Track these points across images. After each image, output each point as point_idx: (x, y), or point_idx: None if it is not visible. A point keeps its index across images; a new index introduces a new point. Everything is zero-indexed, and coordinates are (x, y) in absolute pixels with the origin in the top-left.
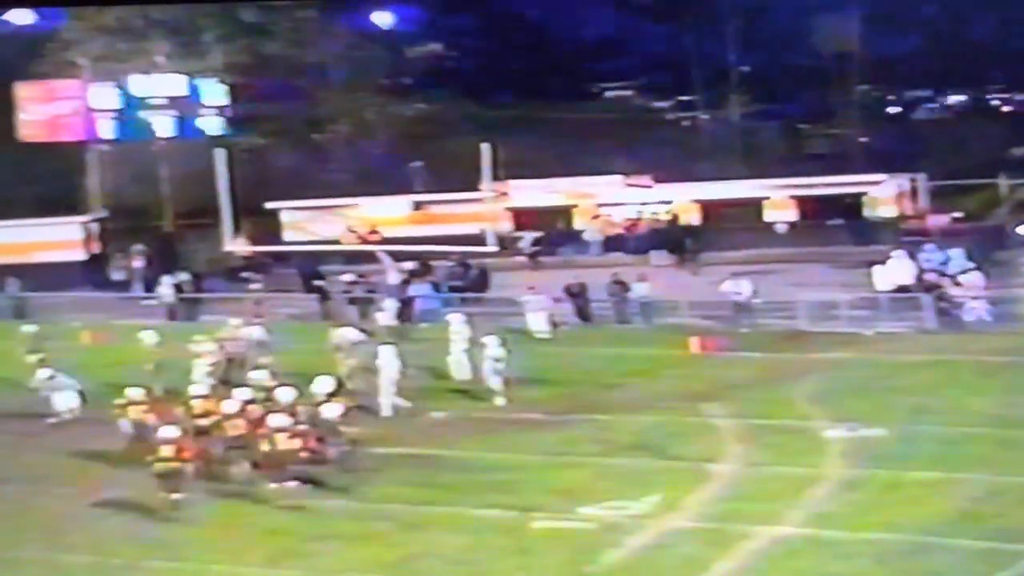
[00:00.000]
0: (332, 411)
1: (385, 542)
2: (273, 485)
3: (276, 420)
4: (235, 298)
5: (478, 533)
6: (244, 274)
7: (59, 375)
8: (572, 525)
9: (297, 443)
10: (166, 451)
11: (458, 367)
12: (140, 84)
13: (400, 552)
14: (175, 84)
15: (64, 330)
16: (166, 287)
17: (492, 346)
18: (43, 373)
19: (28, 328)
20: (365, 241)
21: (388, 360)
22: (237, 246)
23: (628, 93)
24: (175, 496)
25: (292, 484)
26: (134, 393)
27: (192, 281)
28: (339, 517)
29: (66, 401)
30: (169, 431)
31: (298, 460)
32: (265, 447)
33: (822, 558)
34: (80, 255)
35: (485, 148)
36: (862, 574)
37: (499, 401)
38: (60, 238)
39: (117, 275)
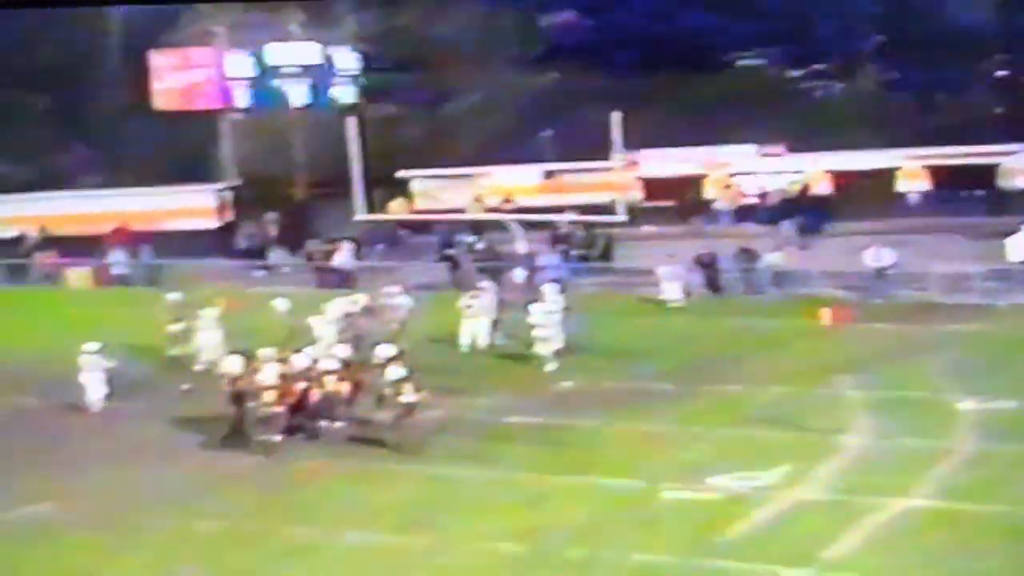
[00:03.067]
0: (394, 374)
1: (513, 512)
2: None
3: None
4: (371, 267)
5: (605, 504)
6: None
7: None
8: (700, 496)
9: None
10: (268, 397)
11: (553, 337)
12: (274, 53)
13: (527, 522)
14: (309, 53)
15: (199, 298)
16: (345, 253)
17: (536, 313)
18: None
19: (172, 296)
20: (494, 210)
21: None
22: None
23: (761, 62)
24: (275, 438)
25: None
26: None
27: (356, 249)
28: (467, 486)
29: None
30: (272, 377)
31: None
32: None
33: (950, 531)
34: (213, 223)
35: (616, 117)
36: (990, 548)
37: (550, 367)
38: (194, 206)
39: (246, 243)
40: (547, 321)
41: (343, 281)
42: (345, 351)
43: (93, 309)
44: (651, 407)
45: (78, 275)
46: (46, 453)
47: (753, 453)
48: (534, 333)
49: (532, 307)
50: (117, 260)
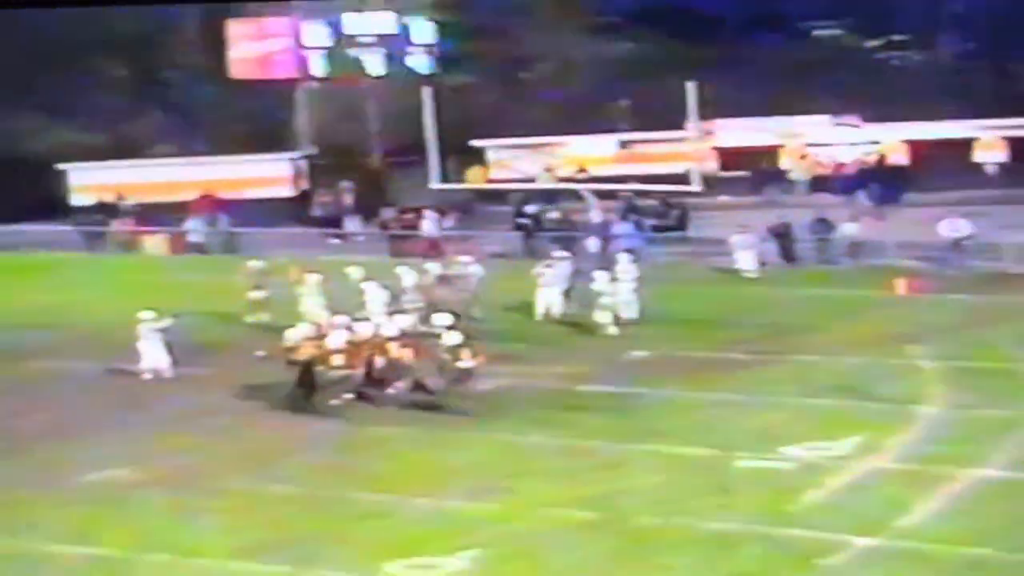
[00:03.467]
0: (451, 340)
1: (585, 479)
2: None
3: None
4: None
5: (678, 471)
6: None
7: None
8: (773, 465)
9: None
10: (337, 360)
11: (626, 307)
12: (350, 22)
13: (600, 489)
14: (384, 22)
15: (275, 266)
16: (431, 221)
17: (600, 281)
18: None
19: (254, 264)
20: (567, 180)
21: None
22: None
23: (838, 32)
24: (344, 398)
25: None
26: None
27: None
28: (540, 453)
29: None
30: (340, 341)
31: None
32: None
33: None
34: (288, 192)
35: (691, 87)
36: None
37: (611, 331)
38: (269, 174)
39: (320, 211)
40: (610, 288)
41: (429, 249)
42: (408, 319)
43: (170, 276)
44: (724, 376)
45: (154, 242)
46: (123, 418)
47: (826, 423)
48: (598, 300)
49: (595, 274)
50: (194, 228)
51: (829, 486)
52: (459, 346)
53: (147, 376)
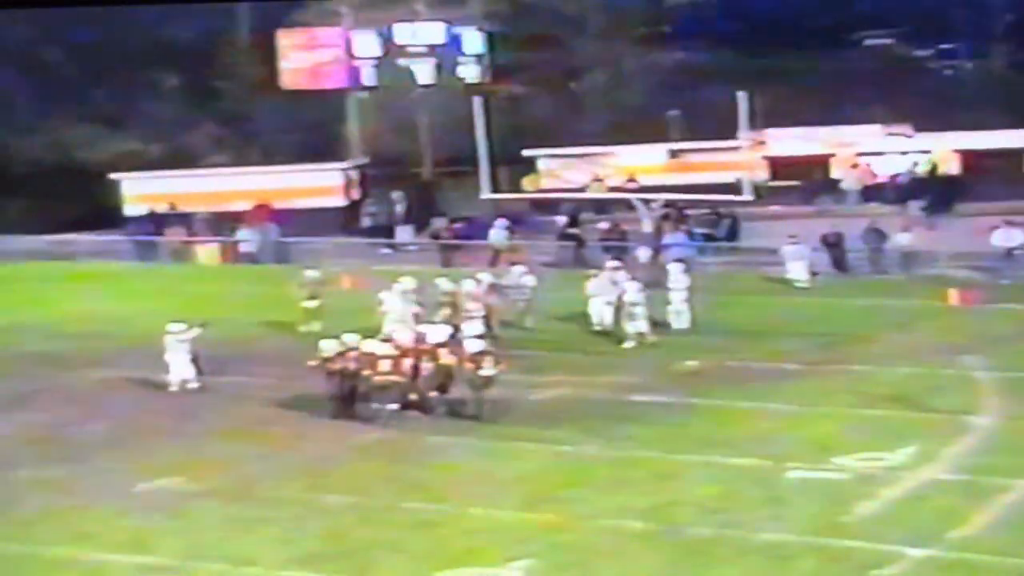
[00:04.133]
0: (473, 347)
1: (638, 489)
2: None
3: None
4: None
5: (731, 482)
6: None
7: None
8: (826, 476)
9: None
10: (384, 366)
11: (676, 317)
12: (400, 32)
13: (653, 499)
14: (435, 32)
15: (329, 275)
16: (499, 229)
17: (632, 292)
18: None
19: (310, 273)
20: (617, 189)
21: (633, 294)
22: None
23: (889, 41)
24: (390, 407)
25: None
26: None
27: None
28: (593, 464)
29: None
30: (384, 350)
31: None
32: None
33: None
34: (340, 201)
35: (742, 96)
36: None
37: (629, 344)
38: (320, 184)
39: (369, 221)
40: (642, 298)
41: (494, 258)
42: (444, 329)
43: (223, 286)
44: (777, 386)
45: (207, 252)
46: (177, 427)
47: (880, 433)
48: (627, 309)
49: (627, 284)
50: (246, 238)
51: (883, 497)
52: (481, 353)
53: (173, 388)
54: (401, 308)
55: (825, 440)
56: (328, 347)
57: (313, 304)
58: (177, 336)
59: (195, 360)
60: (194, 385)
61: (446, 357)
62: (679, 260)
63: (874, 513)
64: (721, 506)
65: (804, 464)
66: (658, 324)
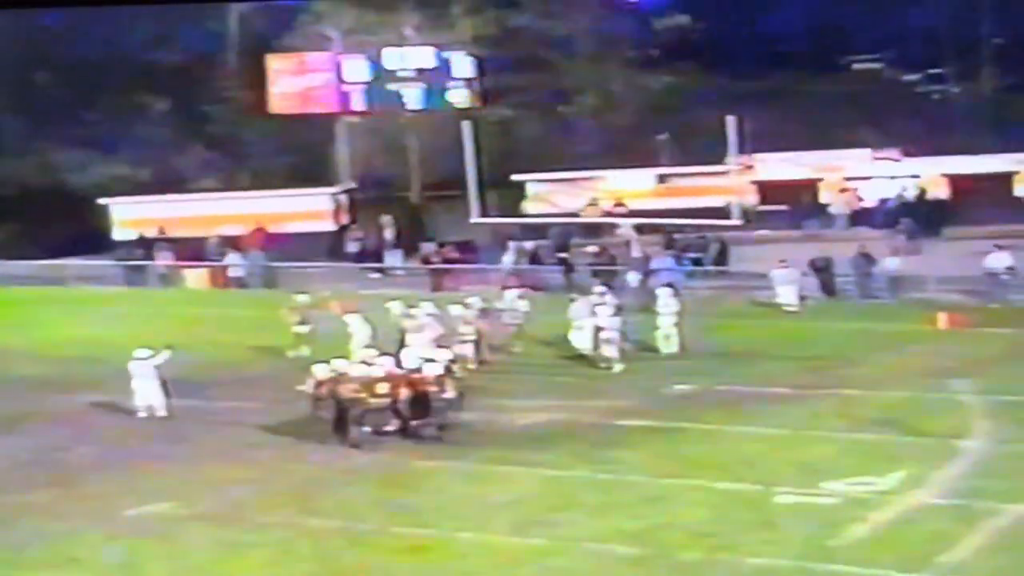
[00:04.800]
0: (433, 369)
1: (628, 513)
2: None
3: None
4: (482, 269)
5: (721, 506)
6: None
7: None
8: (816, 500)
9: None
10: (381, 388)
11: (664, 341)
12: (390, 56)
13: (643, 524)
14: (424, 56)
15: (318, 300)
16: (511, 253)
17: (604, 316)
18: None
19: (300, 297)
20: (608, 213)
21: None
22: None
23: (877, 66)
24: (386, 428)
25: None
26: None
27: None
28: (583, 488)
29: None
30: (383, 372)
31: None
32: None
33: None
34: (329, 226)
35: (731, 121)
36: None
37: (616, 368)
38: (309, 208)
39: (355, 246)
40: (616, 323)
41: (505, 281)
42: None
43: (211, 310)
44: (766, 410)
45: (196, 276)
46: (166, 452)
47: (870, 457)
48: (601, 335)
49: (598, 309)
50: (235, 262)
51: (873, 521)
52: (443, 376)
53: (141, 414)
54: (367, 332)
55: (815, 464)
56: (319, 371)
57: (304, 329)
58: (143, 362)
59: (163, 386)
60: (162, 413)
61: (414, 382)
62: (668, 284)
63: (864, 537)
64: (711, 530)
65: (794, 488)
66: (647, 348)
